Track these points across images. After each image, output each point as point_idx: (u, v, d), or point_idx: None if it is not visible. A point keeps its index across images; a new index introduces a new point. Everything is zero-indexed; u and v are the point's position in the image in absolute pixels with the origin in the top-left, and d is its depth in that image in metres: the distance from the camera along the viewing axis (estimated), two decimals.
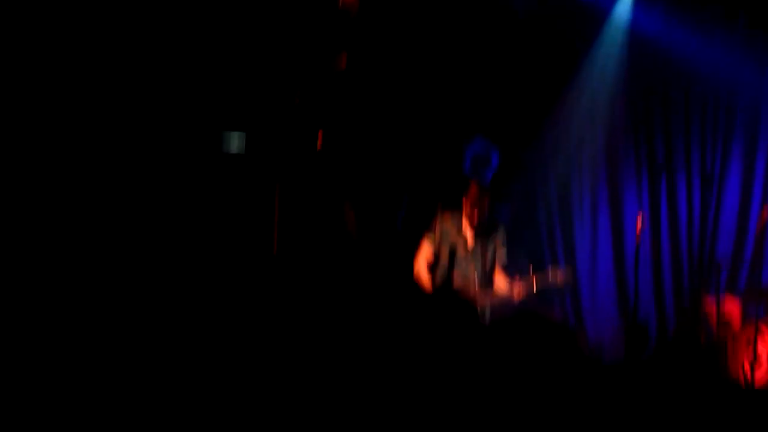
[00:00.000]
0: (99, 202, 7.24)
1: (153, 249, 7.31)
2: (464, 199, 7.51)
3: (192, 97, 7.70)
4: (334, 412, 5.09)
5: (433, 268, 7.48)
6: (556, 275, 7.51)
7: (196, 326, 6.67)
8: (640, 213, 8.69)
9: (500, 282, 7.51)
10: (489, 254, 7.52)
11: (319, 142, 8.04)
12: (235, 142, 7.61)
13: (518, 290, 7.38)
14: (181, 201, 7.54)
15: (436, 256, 7.48)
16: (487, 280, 7.48)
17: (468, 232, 7.50)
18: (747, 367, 8.07)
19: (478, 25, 9.13)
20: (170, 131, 7.60)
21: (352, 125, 8.43)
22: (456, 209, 7.54)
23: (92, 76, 7.30)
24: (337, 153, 8.18)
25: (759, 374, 8.06)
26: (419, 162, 8.96)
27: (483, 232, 7.51)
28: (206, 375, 5.80)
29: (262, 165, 7.82)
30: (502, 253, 7.57)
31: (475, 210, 7.44)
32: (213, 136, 7.77)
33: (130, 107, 7.43)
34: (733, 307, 8.58)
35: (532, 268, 7.47)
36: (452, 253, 7.45)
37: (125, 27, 7.42)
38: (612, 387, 5.56)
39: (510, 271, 7.56)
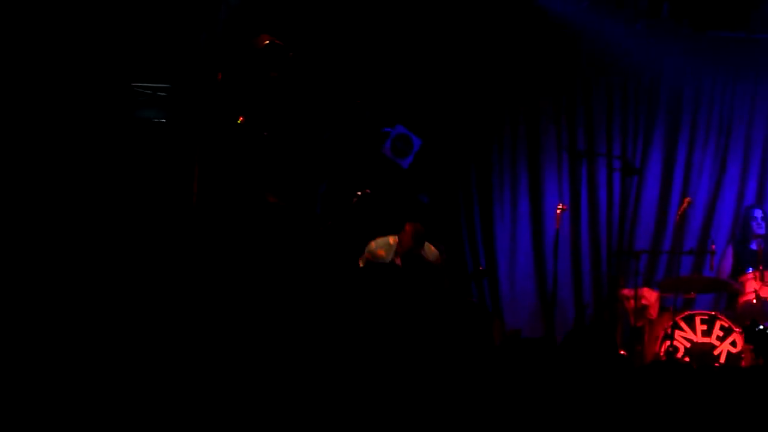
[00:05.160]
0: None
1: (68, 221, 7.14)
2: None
3: (112, 65, 7.57)
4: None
5: None
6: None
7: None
8: (560, 203, 8.73)
9: None
10: None
11: (240, 119, 7.95)
12: None
13: None
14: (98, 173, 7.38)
15: None
16: None
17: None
18: (663, 357, 8.08)
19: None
20: (85, 97, 7.45)
21: (273, 105, 8.34)
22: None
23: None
24: (255, 133, 8.09)
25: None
26: (338, 145, 8.88)
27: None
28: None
29: (181, 137, 7.71)
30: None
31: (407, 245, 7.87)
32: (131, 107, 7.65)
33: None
34: (650, 296, 8.60)
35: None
36: None
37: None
38: (530, 366, 5.46)
39: None
